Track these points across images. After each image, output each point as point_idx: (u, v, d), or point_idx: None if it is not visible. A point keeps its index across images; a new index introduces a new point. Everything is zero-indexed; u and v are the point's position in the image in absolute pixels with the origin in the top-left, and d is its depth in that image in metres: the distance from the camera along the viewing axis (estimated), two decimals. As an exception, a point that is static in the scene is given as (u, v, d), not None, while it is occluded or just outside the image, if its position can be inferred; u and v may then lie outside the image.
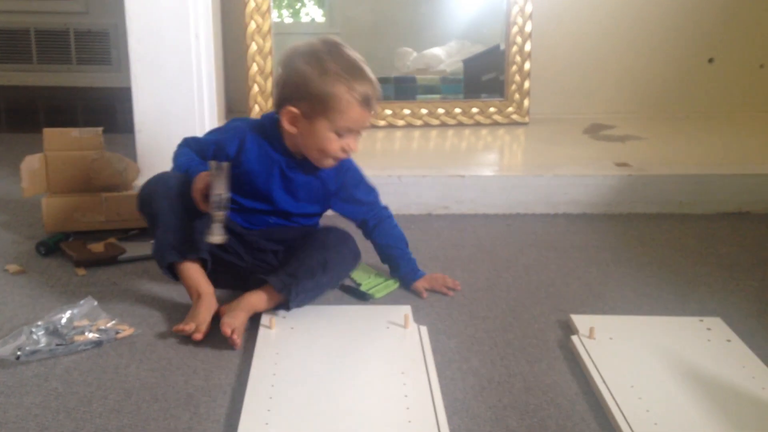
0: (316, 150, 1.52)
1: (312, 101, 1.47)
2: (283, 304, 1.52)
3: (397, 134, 2.82)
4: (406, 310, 1.55)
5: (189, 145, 1.63)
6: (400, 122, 2.88)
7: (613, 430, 1.19)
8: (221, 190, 1.46)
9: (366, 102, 1.48)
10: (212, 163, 1.47)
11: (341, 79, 1.45)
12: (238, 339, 1.41)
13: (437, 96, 2.99)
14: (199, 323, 1.44)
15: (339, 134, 1.49)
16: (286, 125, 1.50)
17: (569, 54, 3.06)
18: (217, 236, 1.47)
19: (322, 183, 1.62)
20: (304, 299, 1.53)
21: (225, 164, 1.47)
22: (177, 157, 1.61)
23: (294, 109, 1.48)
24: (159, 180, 1.57)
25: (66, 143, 1.97)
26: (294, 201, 1.62)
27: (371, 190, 1.69)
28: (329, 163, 1.55)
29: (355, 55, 1.51)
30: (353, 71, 1.47)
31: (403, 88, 2.98)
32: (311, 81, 1.46)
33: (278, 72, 1.55)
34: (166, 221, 1.52)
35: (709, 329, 1.50)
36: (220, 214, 1.46)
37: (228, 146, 1.56)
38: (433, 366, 1.35)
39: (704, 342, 1.45)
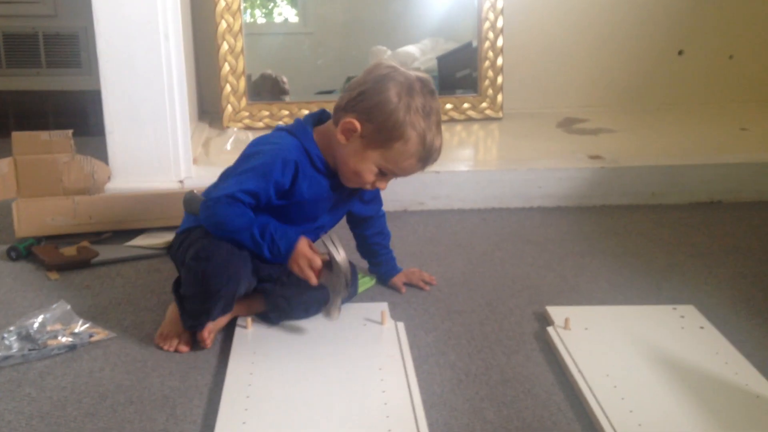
0: (352, 172, 1.42)
1: (380, 129, 1.37)
2: (264, 314, 1.51)
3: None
4: (383, 306, 1.55)
5: (237, 196, 1.38)
6: (375, 120, 2.87)
7: (589, 418, 1.20)
8: (346, 264, 1.40)
9: (424, 160, 1.42)
10: (329, 237, 1.40)
11: (419, 127, 1.37)
12: (209, 339, 1.41)
13: (411, 93, 2.99)
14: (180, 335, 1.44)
15: (381, 171, 1.42)
16: (339, 134, 1.40)
17: (541, 49, 3.08)
18: (338, 311, 1.43)
19: (358, 195, 1.57)
20: (287, 321, 1.51)
21: (334, 234, 1.42)
22: (233, 217, 1.37)
23: (357, 124, 1.38)
24: (234, 257, 1.38)
25: (36, 147, 1.95)
26: (333, 217, 1.56)
27: (378, 190, 1.62)
28: (353, 184, 1.47)
29: (440, 110, 1.44)
30: (432, 126, 1.39)
31: (377, 86, 2.97)
32: (393, 111, 1.36)
33: (360, 79, 1.41)
34: (225, 302, 1.40)
35: (682, 317, 1.52)
36: (345, 292, 1.42)
37: (284, 183, 1.41)
38: (411, 361, 1.35)
39: (678, 329, 1.47)
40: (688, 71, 3.18)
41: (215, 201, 1.38)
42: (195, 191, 1.47)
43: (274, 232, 1.38)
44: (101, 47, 2.00)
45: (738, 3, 3.12)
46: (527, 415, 1.22)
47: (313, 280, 1.38)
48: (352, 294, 1.55)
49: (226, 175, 1.46)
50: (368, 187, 1.46)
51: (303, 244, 1.39)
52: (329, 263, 1.39)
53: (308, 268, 1.37)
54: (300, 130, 1.45)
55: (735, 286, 1.71)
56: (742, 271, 1.80)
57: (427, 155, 1.41)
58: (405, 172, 1.44)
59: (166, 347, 1.41)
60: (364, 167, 1.41)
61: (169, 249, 1.59)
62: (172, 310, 1.48)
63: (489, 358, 1.39)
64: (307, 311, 1.50)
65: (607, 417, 1.17)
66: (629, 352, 1.38)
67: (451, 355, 1.40)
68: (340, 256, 1.38)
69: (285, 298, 1.47)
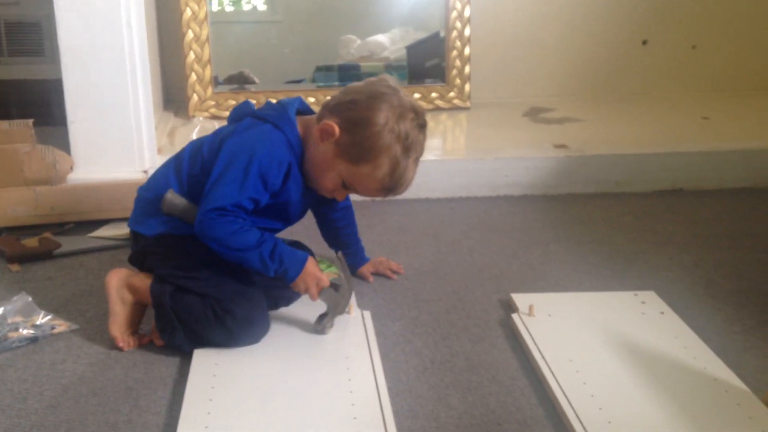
0: (315, 175, 1.40)
1: (356, 144, 1.34)
2: None
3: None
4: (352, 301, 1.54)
5: (243, 204, 1.32)
6: (343, 109, 2.87)
7: (551, 403, 1.22)
8: (351, 284, 1.41)
9: (388, 190, 1.39)
10: (339, 258, 1.42)
11: (394, 157, 1.33)
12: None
13: (380, 83, 2.99)
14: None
15: (344, 184, 1.39)
16: (317, 133, 1.36)
17: (508, 39, 3.10)
18: (331, 327, 1.41)
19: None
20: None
21: (341, 253, 1.43)
22: (240, 234, 1.32)
23: (337, 130, 1.34)
24: (256, 310, 1.36)
25: (-5, 136, 1.91)
26: (301, 217, 1.54)
27: None
28: (313, 185, 1.43)
29: (423, 145, 1.40)
30: (410, 160, 1.36)
31: (347, 76, 2.96)
32: (374, 132, 1.32)
33: (357, 87, 1.38)
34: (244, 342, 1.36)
35: (643, 302, 1.54)
36: (346, 310, 1.43)
37: (278, 185, 1.37)
38: (377, 349, 1.36)
39: (639, 315, 1.49)
40: (652, 61, 3.21)
41: (219, 213, 1.30)
42: (174, 192, 1.39)
43: (282, 253, 1.34)
44: (62, 35, 1.96)
45: (701, -6, 3.17)
46: (491, 401, 1.23)
47: (315, 298, 1.38)
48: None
49: (216, 179, 1.33)
50: (325, 194, 1.43)
51: (311, 264, 1.37)
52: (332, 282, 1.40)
53: (315, 287, 1.37)
54: (286, 123, 1.38)
55: (696, 272, 1.75)
56: (704, 257, 1.83)
57: (393, 186, 1.38)
58: (365, 194, 1.42)
59: (124, 346, 1.37)
60: (329, 175, 1.38)
61: (134, 250, 1.46)
62: (121, 304, 1.40)
63: (454, 346, 1.40)
64: (276, 306, 1.49)
65: (569, 402, 1.18)
66: (591, 338, 1.40)
67: (417, 343, 1.41)
68: (349, 278, 1.41)
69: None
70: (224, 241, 1.32)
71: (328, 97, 1.43)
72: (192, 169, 1.40)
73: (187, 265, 1.37)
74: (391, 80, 1.39)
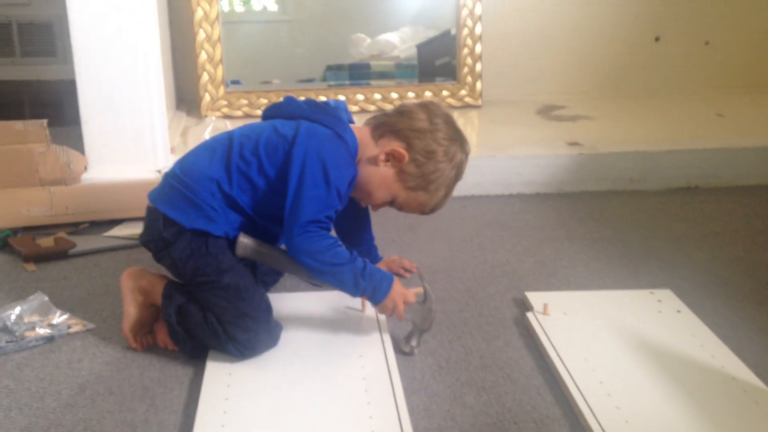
0: (367, 190, 1.41)
1: (422, 176, 1.38)
2: None
3: (351, 120, 2.81)
4: (364, 294, 1.55)
5: (331, 216, 1.33)
6: (354, 108, 2.87)
7: (568, 402, 1.21)
8: (433, 303, 1.39)
9: (425, 212, 1.46)
10: (422, 275, 1.43)
11: (451, 186, 1.43)
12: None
13: (392, 81, 2.99)
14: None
15: (392, 201, 1.43)
16: (382, 153, 1.38)
17: (520, 36, 3.09)
18: (417, 346, 1.38)
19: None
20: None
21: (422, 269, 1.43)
22: (334, 249, 1.31)
23: (406, 157, 1.37)
24: (271, 323, 1.37)
25: (10, 137, 1.93)
26: None
27: None
28: (355, 194, 1.44)
29: None
30: (451, 193, 1.45)
31: (357, 75, 2.96)
32: (441, 166, 1.38)
33: (419, 112, 1.40)
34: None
35: (659, 301, 1.53)
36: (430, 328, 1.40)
37: (346, 197, 1.39)
38: (391, 348, 1.36)
39: (655, 313, 1.48)
40: (664, 58, 3.19)
41: (316, 225, 1.30)
42: (245, 234, 1.35)
43: (372, 272, 1.33)
44: (75, 36, 1.97)
45: (714, -10, 3.15)
46: (507, 399, 1.23)
47: (403, 316, 1.36)
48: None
49: (298, 192, 1.30)
50: (371, 207, 1.49)
51: (398, 283, 1.36)
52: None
53: (402, 305, 1.36)
54: (348, 133, 1.38)
55: (711, 270, 1.73)
56: (719, 255, 1.82)
57: (429, 211, 1.46)
58: (409, 212, 1.46)
59: (137, 346, 1.38)
60: (383, 193, 1.42)
61: (160, 235, 1.37)
62: (134, 306, 1.39)
63: (469, 344, 1.40)
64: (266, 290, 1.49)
65: (586, 401, 1.18)
66: (607, 337, 1.39)
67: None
68: (430, 293, 1.40)
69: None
70: (320, 256, 1.30)
71: (381, 111, 1.47)
72: (244, 164, 1.35)
73: (213, 267, 1.34)
74: (443, 104, 1.41)
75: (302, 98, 1.47)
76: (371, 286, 1.32)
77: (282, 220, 1.33)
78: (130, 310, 1.39)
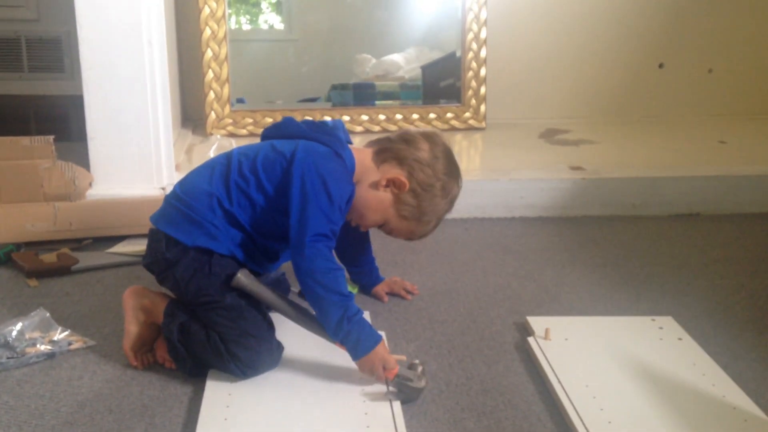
0: (361, 211, 1.43)
1: (417, 207, 1.41)
2: None
3: (355, 140, 2.81)
4: (365, 316, 1.54)
5: (335, 231, 1.34)
6: (358, 128, 2.88)
7: (568, 429, 1.21)
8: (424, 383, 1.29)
9: (411, 239, 1.49)
10: (415, 363, 1.31)
11: (442, 217, 1.47)
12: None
13: (396, 102, 3.01)
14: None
15: (382, 224, 1.45)
16: (383, 181, 1.40)
17: (524, 60, 3.11)
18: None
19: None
20: None
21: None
22: (335, 274, 1.30)
23: (406, 186, 1.39)
24: (274, 343, 1.36)
25: (16, 152, 1.94)
26: None
27: None
28: (348, 216, 1.45)
29: None
30: (439, 223, 1.49)
31: (362, 95, 2.98)
32: (437, 201, 1.42)
33: (421, 141, 1.42)
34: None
35: (661, 328, 1.53)
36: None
37: (344, 214, 1.39)
38: (392, 370, 1.36)
39: (656, 341, 1.48)
40: (668, 84, 3.21)
41: (321, 237, 1.30)
42: (246, 272, 1.34)
43: (362, 322, 1.30)
44: (84, 52, 1.99)
45: (717, 18, 3.17)
46: (507, 425, 1.22)
47: (382, 380, 1.29)
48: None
49: (302, 208, 1.30)
50: (360, 227, 1.50)
51: (382, 347, 1.30)
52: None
53: (381, 370, 1.28)
54: (346, 152, 1.40)
55: (713, 297, 1.73)
56: (721, 283, 1.82)
57: (416, 239, 1.49)
58: (394, 236, 1.49)
59: (138, 364, 1.37)
60: (376, 216, 1.44)
61: (163, 257, 1.37)
62: (136, 324, 1.39)
63: (470, 368, 1.40)
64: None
65: (586, 428, 1.18)
66: (608, 363, 1.39)
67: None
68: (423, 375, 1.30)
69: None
70: (319, 276, 1.28)
71: (385, 134, 1.48)
72: (243, 182, 1.36)
73: (215, 287, 1.33)
74: (443, 135, 1.47)
75: (307, 118, 1.48)
76: (355, 335, 1.28)
77: (280, 237, 1.36)
78: (131, 328, 1.39)
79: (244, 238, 1.38)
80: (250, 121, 2.81)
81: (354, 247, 1.65)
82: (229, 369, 1.32)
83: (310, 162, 1.34)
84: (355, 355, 1.30)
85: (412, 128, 1.48)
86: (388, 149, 1.43)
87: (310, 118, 1.49)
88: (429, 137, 1.44)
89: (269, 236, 1.40)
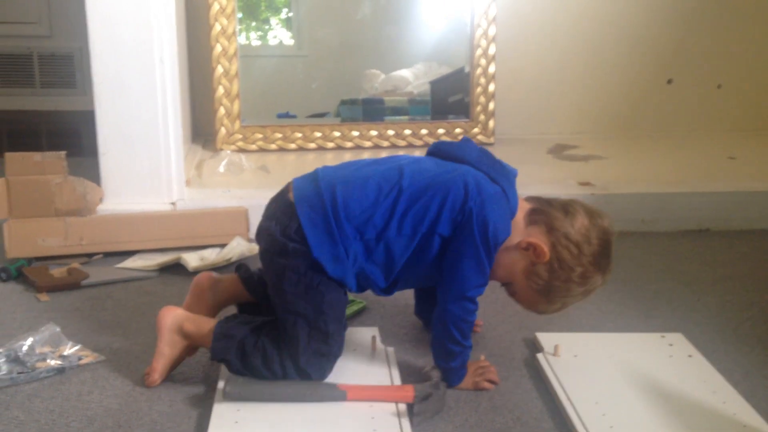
0: (506, 273, 1.37)
1: (549, 285, 1.33)
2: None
3: (364, 155, 2.83)
4: (374, 331, 1.55)
5: (485, 284, 1.33)
6: (367, 143, 2.89)
7: (578, 447, 1.20)
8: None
9: (537, 312, 1.44)
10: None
11: (563, 307, 1.39)
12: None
13: (405, 117, 3.02)
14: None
15: (508, 284, 1.40)
16: (524, 244, 1.32)
17: (532, 76, 3.11)
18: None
19: None
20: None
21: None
22: (469, 331, 1.36)
23: (545, 260, 1.31)
24: (329, 368, 1.35)
25: (28, 167, 1.95)
26: None
27: None
28: None
29: None
30: (566, 308, 1.41)
31: (371, 110, 2.99)
32: (572, 287, 1.33)
33: (583, 220, 1.32)
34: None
35: (671, 345, 1.52)
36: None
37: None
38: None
39: (666, 357, 1.47)
40: (677, 100, 3.21)
41: (472, 299, 1.32)
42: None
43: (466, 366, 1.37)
44: (96, 68, 2.01)
45: (726, 33, 3.17)
46: (516, 442, 1.22)
47: (490, 386, 1.36)
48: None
49: (461, 259, 1.29)
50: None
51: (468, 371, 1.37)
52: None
53: (482, 381, 1.37)
54: (514, 197, 1.35)
55: (723, 314, 1.73)
56: (731, 299, 1.81)
57: (536, 312, 1.43)
58: (515, 299, 1.42)
59: (157, 382, 1.36)
60: (501, 273, 1.36)
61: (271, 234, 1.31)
62: (171, 347, 1.36)
63: (479, 385, 1.39)
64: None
65: (595, 445, 1.17)
66: (618, 380, 1.38)
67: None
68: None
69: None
70: (465, 328, 1.33)
71: (546, 196, 1.40)
72: (380, 213, 1.30)
73: (313, 303, 1.30)
74: (611, 220, 1.35)
75: (471, 142, 1.44)
76: (461, 373, 1.36)
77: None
78: (166, 351, 1.36)
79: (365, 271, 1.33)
80: (260, 136, 2.82)
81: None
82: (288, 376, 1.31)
83: (480, 207, 1.28)
84: (453, 383, 1.35)
85: (581, 201, 1.38)
86: (543, 212, 1.34)
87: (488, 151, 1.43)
88: (593, 216, 1.33)
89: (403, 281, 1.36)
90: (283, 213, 1.33)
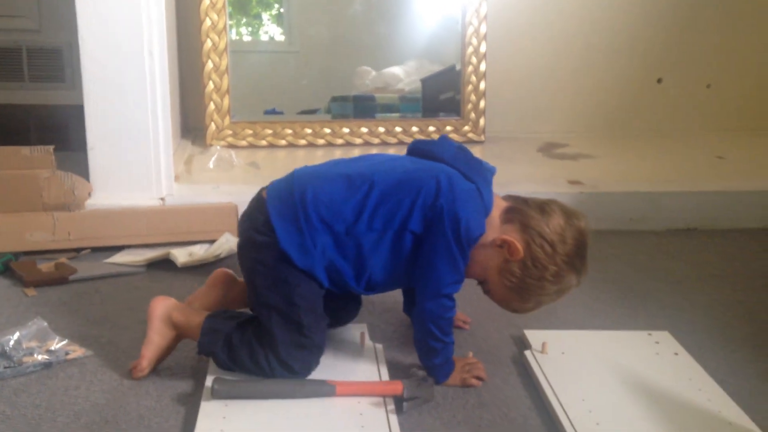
0: (481, 271, 1.37)
1: (522, 282, 1.32)
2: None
3: (355, 152, 2.83)
4: (362, 328, 1.55)
5: (461, 281, 1.34)
6: (358, 140, 2.89)
7: (564, 443, 1.21)
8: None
9: (510, 311, 1.43)
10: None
11: (536, 306, 1.38)
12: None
13: (396, 115, 3.02)
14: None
15: (482, 281, 1.40)
16: (499, 241, 1.32)
17: (523, 74, 3.12)
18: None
19: None
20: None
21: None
22: (451, 321, 1.37)
23: (519, 256, 1.31)
24: (314, 360, 1.35)
25: (16, 162, 1.94)
26: None
27: None
28: None
29: None
30: (539, 307, 1.40)
31: (362, 107, 2.99)
32: (546, 286, 1.33)
33: (557, 219, 1.32)
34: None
35: (657, 343, 1.53)
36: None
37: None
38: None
39: (652, 355, 1.48)
40: (666, 99, 3.23)
41: (450, 296, 1.33)
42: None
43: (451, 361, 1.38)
44: (85, 63, 2.00)
45: (716, 33, 3.19)
46: (503, 439, 1.22)
47: (478, 383, 1.37)
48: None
49: (436, 256, 1.29)
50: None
51: (456, 367, 1.38)
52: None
53: (470, 378, 1.38)
54: (489, 194, 1.36)
55: (710, 313, 1.74)
56: (718, 298, 1.82)
57: (510, 310, 1.43)
58: (489, 297, 1.42)
59: (144, 373, 1.36)
60: (476, 270, 1.36)
61: (262, 244, 1.31)
62: (160, 336, 1.37)
63: (466, 382, 1.40)
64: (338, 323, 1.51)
65: (581, 442, 1.18)
66: (605, 377, 1.39)
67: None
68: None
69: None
70: (444, 325, 1.34)
71: (522, 195, 1.40)
72: (372, 205, 1.30)
73: (283, 295, 1.30)
74: (587, 221, 1.35)
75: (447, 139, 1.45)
76: (447, 370, 1.37)
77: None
78: (155, 339, 1.37)
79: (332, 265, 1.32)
80: (250, 132, 2.82)
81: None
82: (268, 375, 1.31)
83: (450, 202, 1.28)
84: (439, 380, 1.36)
85: (559, 201, 1.37)
86: (518, 210, 1.34)
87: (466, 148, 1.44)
88: (569, 217, 1.32)
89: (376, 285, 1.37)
90: (254, 209, 1.36)
